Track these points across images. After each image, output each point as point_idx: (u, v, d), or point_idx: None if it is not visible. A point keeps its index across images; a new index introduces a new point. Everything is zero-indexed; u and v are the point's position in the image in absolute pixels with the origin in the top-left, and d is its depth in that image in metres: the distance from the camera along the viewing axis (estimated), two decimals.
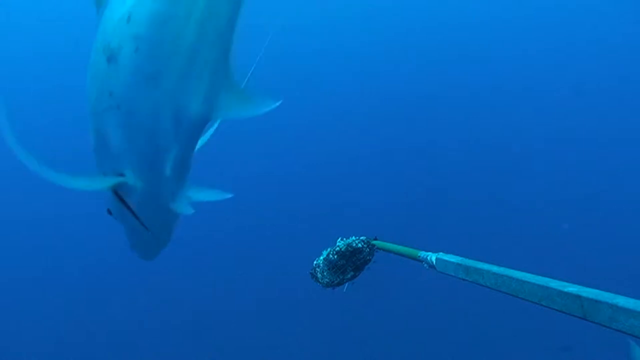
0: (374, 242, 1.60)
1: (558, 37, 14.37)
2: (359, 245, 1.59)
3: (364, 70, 14.95)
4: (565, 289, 0.80)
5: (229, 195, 1.55)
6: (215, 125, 1.71)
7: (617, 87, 12.89)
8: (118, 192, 1.39)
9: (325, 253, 1.63)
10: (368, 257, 1.60)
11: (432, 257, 1.26)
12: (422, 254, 1.31)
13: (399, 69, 14.80)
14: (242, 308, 9.06)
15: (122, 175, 1.35)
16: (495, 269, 1.01)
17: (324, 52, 16.01)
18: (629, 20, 13.40)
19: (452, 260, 1.17)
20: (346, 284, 1.62)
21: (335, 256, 1.59)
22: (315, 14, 16.11)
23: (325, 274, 1.60)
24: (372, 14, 16.18)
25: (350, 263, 1.59)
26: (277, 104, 1.23)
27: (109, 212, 1.48)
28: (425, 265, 1.30)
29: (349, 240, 1.61)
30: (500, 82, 13.48)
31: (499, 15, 15.24)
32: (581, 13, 14.53)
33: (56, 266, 9.64)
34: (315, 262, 1.65)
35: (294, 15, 16.17)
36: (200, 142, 1.42)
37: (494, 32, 15.08)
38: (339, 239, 1.65)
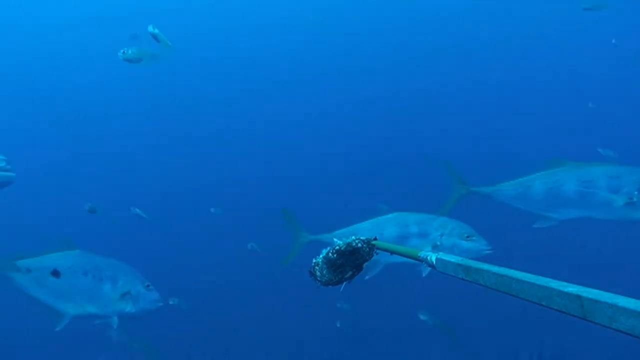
0: (374, 242, 1.60)
1: (559, 36, 14.35)
2: (359, 244, 1.58)
3: (363, 69, 14.94)
4: (565, 289, 0.80)
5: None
6: None
7: (618, 87, 12.88)
8: None
9: (324, 252, 1.63)
10: (367, 257, 1.59)
11: (432, 257, 1.26)
12: (422, 254, 1.31)
13: (399, 69, 14.78)
14: (241, 307, 9.06)
15: None
16: (495, 269, 1.01)
17: (324, 52, 16.00)
18: (630, 20, 13.39)
19: (452, 260, 1.17)
20: (344, 284, 1.62)
21: (335, 255, 1.59)
22: (315, 14, 16.10)
23: (324, 272, 1.60)
24: (372, 13, 16.15)
25: (350, 262, 1.58)
26: None
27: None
28: (425, 265, 1.29)
29: (349, 240, 1.61)
30: (498, 81, 13.47)
31: (499, 15, 15.22)
32: (581, 13, 14.52)
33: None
34: (314, 261, 1.65)
35: (293, 15, 16.16)
36: None
37: (495, 31, 15.06)
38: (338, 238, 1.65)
